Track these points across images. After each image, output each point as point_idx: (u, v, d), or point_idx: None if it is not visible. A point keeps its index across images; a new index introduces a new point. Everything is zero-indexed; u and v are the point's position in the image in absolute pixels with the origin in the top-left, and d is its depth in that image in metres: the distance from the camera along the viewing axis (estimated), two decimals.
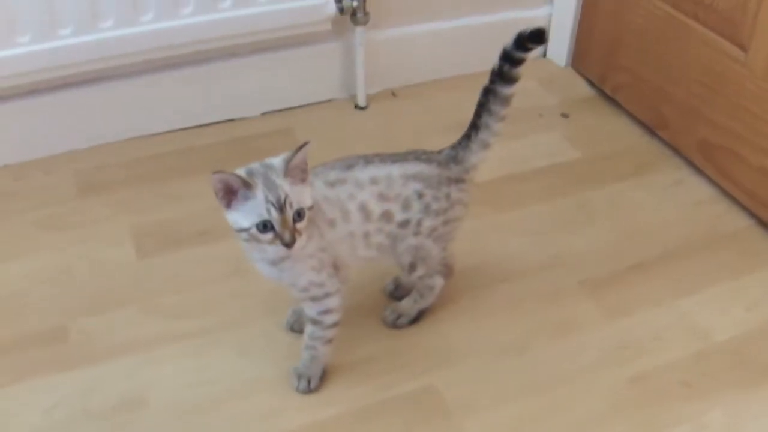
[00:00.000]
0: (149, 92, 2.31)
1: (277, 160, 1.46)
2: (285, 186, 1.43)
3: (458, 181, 1.66)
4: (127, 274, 1.95)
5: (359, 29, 2.41)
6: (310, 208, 1.46)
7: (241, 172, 1.45)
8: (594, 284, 1.96)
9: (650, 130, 2.45)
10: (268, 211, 1.42)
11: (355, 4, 2.35)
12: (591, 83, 2.66)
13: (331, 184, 1.56)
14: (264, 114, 2.47)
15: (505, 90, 1.63)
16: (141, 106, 2.32)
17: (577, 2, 2.62)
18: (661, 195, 2.24)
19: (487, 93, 1.64)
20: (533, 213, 2.16)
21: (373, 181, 1.58)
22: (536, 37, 1.58)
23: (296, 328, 1.80)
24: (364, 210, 1.57)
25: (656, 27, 2.33)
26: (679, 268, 2.02)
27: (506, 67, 1.61)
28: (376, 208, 1.58)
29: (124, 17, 2.10)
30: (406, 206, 1.60)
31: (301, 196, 1.45)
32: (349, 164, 1.60)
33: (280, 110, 2.49)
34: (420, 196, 1.61)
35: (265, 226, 1.43)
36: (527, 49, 1.59)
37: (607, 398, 1.71)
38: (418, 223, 1.62)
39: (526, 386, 1.73)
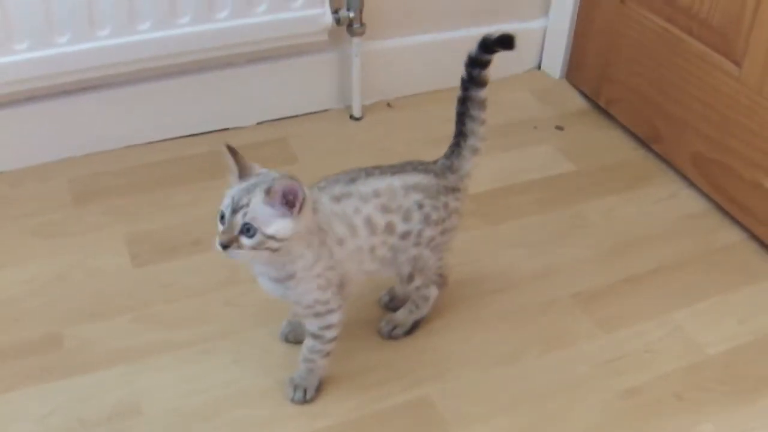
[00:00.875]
0: (145, 101, 2.32)
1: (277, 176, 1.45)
2: (254, 199, 1.42)
3: (454, 190, 1.67)
4: (122, 283, 1.95)
5: (355, 40, 2.41)
6: (275, 238, 1.43)
7: (255, 165, 1.49)
8: (587, 297, 1.97)
9: (644, 143, 2.46)
10: (226, 205, 1.44)
11: (351, 15, 2.36)
12: (585, 96, 2.67)
13: (337, 199, 1.56)
14: (259, 123, 2.47)
15: (480, 93, 1.65)
16: (137, 114, 2.33)
17: (572, 15, 2.64)
18: (654, 208, 2.25)
19: (465, 101, 1.66)
20: (527, 225, 2.17)
21: (376, 194, 1.58)
22: (505, 42, 1.60)
23: (291, 338, 1.81)
24: (369, 223, 1.57)
25: (651, 41, 2.34)
26: (672, 281, 2.02)
27: (476, 72, 1.62)
28: (380, 220, 1.58)
29: (121, 26, 2.10)
30: (407, 217, 1.61)
31: (266, 219, 1.42)
32: (351, 177, 1.60)
33: (276, 120, 2.49)
34: (420, 206, 1.61)
35: (221, 217, 1.44)
36: (493, 51, 1.60)
37: (600, 410, 1.71)
38: (419, 234, 1.63)
39: (520, 398, 1.73)
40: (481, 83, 1.64)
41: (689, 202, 2.27)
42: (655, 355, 1.84)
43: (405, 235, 1.62)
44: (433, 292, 1.80)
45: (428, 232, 1.64)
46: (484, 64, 1.62)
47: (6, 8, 1.98)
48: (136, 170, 2.28)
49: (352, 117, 2.55)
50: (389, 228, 1.60)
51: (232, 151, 1.47)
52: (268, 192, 1.42)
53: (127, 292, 1.92)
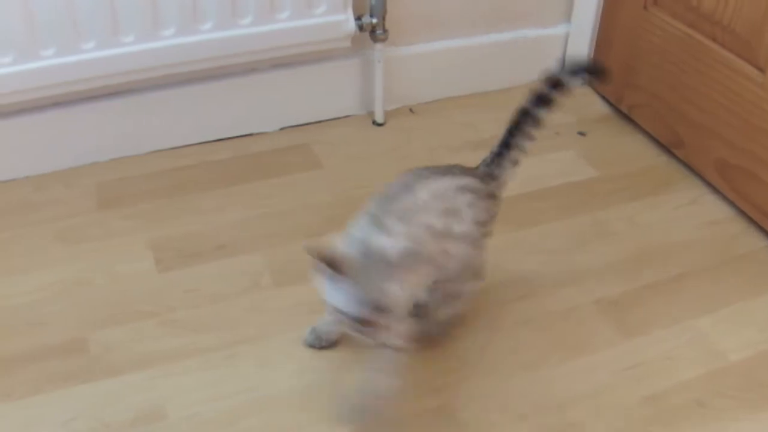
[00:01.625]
0: (169, 106, 2.34)
1: (391, 251, 1.42)
2: (392, 286, 1.39)
3: (493, 197, 1.68)
4: (146, 287, 1.96)
5: (378, 46, 2.42)
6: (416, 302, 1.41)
7: (343, 248, 1.43)
8: (609, 303, 1.97)
9: (667, 149, 2.46)
10: (348, 311, 1.39)
11: (374, 21, 2.37)
12: (608, 101, 2.67)
13: (403, 218, 1.52)
14: (282, 129, 2.49)
15: (544, 114, 1.63)
16: (161, 119, 2.35)
17: (594, 21, 2.64)
18: (676, 214, 2.25)
19: (526, 115, 1.64)
20: (549, 231, 2.17)
21: (435, 197, 1.56)
22: (597, 70, 1.58)
23: (316, 345, 1.81)
24: (431, 230, 1.55)
25: (673, 47, 2.34)
26: (694, 287, 2.02)
27: (553, 94, 1.60)
28: (439, 224, 1.56)
29: (145, 32, 2.12)
30: (461, 218, 1.60)
31: (402, 299, 1.41)
32: (405, 184, 1.57)
33: (299, 125, 2.50)
34: (470, 206, 1.61)
35: (357, 320, 1.40)
36: (579, 78, 1.59)
37: (621, 417, 1.71)
38: (470, 233, 1.63)
39: (541, 404, 1.73)
40: (552, 105, 1.62)
41: (712, 208, 2.27)
42: (676, 362, 1.84)
43: (461, 237, 1.61)
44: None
45: (477, 232, 1.64)
46: (563, 88, 1.60)
47: (32, 15, 1.99)
48: (161, 175, 2.30)
49: (374, 123, 2.55)
50: (447, 231, 1.57)
51: (326, 258, 1.39)
52: (397, 269, 1.40)
53: (151, 297, 1.93)
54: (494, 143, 1.73)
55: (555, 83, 1.60)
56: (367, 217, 1.53)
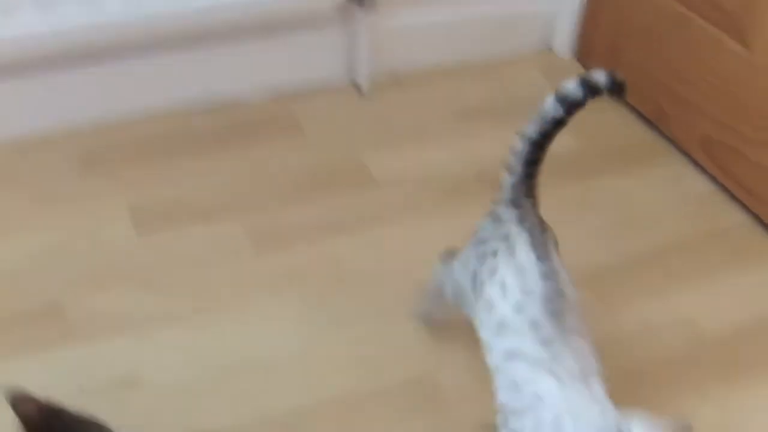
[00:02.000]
0: (150, 71, 2.31)
1: None
2: None
3: None
4: (126, 252, 1.95)
5: (365, 14, 2.40)
6: None
7: None
8: (589, 276, 1.96)
9: (652, 124, 2.45)
10: None
11: None
12: None
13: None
14: (266, 97, 2.47)
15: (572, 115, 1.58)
16: (142, 84, 2.33)
17: None
18: (660, 189, 2.25)
19: (551, 136, 1.57)
20: None
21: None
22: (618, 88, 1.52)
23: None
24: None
25: (660, 22, 2.33)
26: (674, 262, 2.03)
27: (573, 112, 1.53)
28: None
29: None
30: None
31: None
32: (561, 292, 1.51)
33: (284, 94, 2.49)
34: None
35: None
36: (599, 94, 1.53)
37: None
38: None
39: None
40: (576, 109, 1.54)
41: (695, 183, 2.27)
42: (655, 335, 1.84)
43: None
44: None
45: None
46: (582, 105, 1.55)
47: None
48: (142, 141, 2.28)
49: (360, 92, 2.54)
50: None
51: None
52: None
53: (130, 263, 1.93)
54: (516, 163, 1.65)
55: (575, 105, 1.53)
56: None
